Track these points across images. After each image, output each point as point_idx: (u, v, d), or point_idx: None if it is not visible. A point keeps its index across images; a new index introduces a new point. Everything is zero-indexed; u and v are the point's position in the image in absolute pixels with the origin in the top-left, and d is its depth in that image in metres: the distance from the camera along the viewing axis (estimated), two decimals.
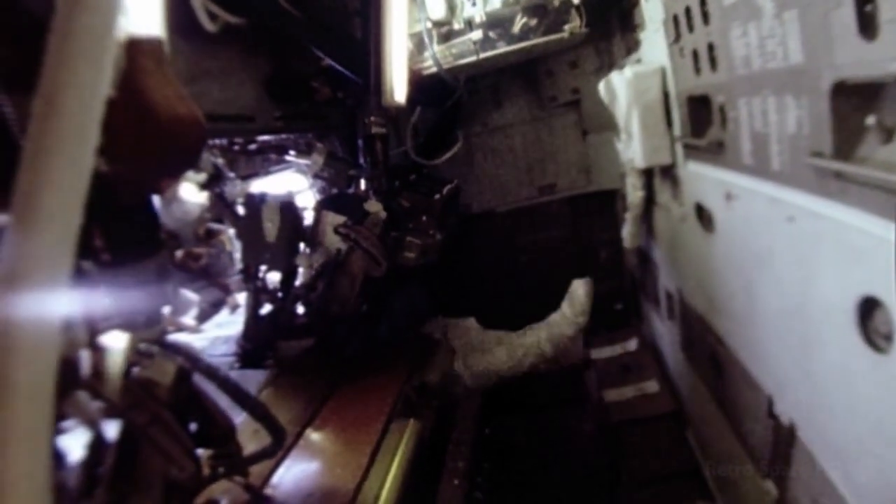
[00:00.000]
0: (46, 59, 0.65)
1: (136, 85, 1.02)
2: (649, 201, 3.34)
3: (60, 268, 0.65)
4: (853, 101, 1.32)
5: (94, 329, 1.26)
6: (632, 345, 4.05)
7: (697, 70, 2.19)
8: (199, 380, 1.51)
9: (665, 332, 3.58)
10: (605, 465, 3.39)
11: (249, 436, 2.04)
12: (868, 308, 1.30)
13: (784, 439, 1.82)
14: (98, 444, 1.35)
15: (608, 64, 4.05)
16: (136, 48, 1.02)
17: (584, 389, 3.89)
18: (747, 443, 2.19)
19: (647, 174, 3.18)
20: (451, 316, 4.07)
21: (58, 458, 1.29)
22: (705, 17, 2.02)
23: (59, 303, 0.65)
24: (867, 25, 1.17)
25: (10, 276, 0.62)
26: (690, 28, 2.19)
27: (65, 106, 0.65)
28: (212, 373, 1.39)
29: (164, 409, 1.36)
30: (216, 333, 4.17)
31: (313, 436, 2.63)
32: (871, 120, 1.30)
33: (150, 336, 1.31)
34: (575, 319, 3.50)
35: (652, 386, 3.49)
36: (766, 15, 1.58)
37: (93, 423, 1.34)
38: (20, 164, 0.65)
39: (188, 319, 3.66)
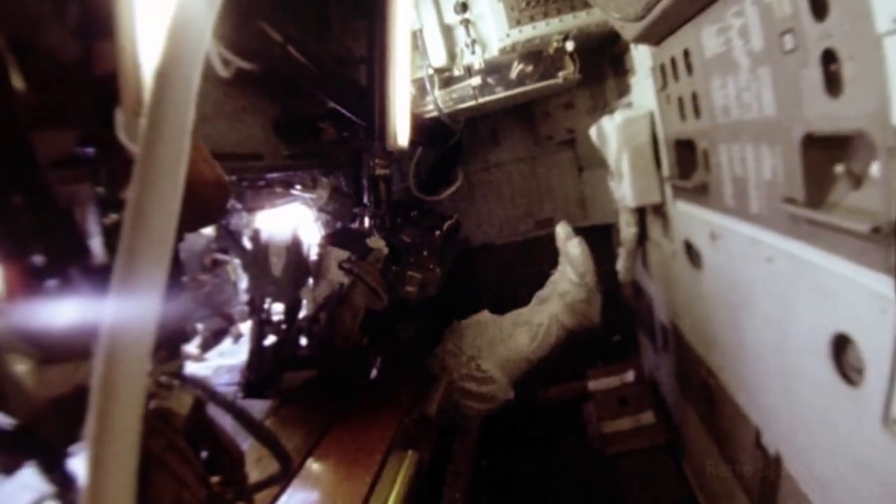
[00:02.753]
0: (134, 176, 0.78)
1: None
2: (643, 236, 3.45)
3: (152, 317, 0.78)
4: (822, 151, 1.42)
5: None
6: (629, 376, 4.10)
7: (683, 116, 2.32)
8: (211, 409, 1.59)
9: (661, 364, 3.65)
10: (602, 496, 3.42)
11: (252, 464, 2.10)
12: (840, 344, 1.39)
13: (771, 470, 1.88)
14: None
15: (602, 105, 4.22)
16: None
17: (582, 421, 3.93)
18: (738, 473, 2.25)
19: (640, 211, 3.30)
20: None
21: (70, 480, 1.36)
22: (689, 67, 2.15)
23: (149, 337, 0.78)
24: (832, 83, 1.28)
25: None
26: (676, 77, 2.32)
27: (151, 217, 0.77)
28: (228, 405, 1.48)
29: (179, 437, 1.44)
30: (219, 363, 4.22)
31: (314, 466, 2.67)
32: (839, 168, 1.40)
33: (170, 369, 1.39)
34: (583, 281, 3.43)
35: (648, 417, 3.54)
36: (742, 69, 1.70)
37: None
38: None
39: (192, 348, 3.72)
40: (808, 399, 1.57)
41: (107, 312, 0.77)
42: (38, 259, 1.26)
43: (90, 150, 1.29)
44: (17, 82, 1.10)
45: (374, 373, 3.27)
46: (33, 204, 1.25)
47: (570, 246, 3.48)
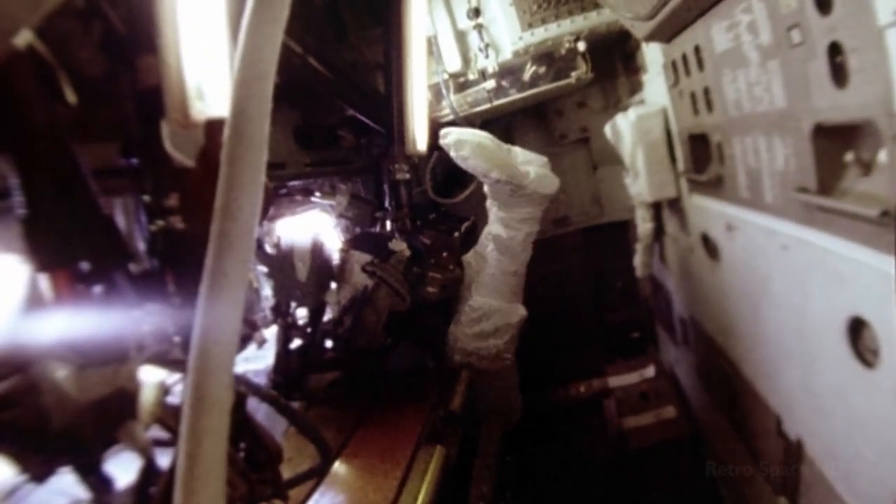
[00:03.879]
0: (220, 187, 0.87)
1: (211, 158, 1.22)
2: (659, 231, 3.48)
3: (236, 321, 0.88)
4: (832, 140, 1.46)
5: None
6: (649, 372, 4.13)
7: (696, 111, 2.36)
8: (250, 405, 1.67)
9: (681, 358, 3.67)
10: (625, 490, 3.45)
11: (282, 464, 2.16)
12: (856, 327, 1.43)
13: (793, 456, 1.91)
14: (150, 469, 1.49)
15: (614, 103, 4.26)
16: (212, 127, 1.22)
17: (604, 417, 3.96)
18: (760, 461, 2.28)
19: (656, 206, 3.33)
20: None
21: (106, 483, 1.40)
22: (700, 63, 2.20)
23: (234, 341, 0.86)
24: (839, 75, 1.33)
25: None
26: (687, 73, 2.37)
27: (236, 220, 0.86)
28: (272, 398, 1.56)
29: None
30: (245, 367, 4.31)
31: (344, 464, 2.74)
32: (849, 156, 1.44)
33: None
34: (496, 177, 2.96)
35: (669, 412, 3.57)
36: (752, 64, 1.75)
37: (144, 451, 1.48)
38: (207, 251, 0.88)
39: None
40: (826, 383, 1.61)
41: (197, 312, 0.85)
42: (83, 266, 1.33)
43: (135, 161, 1.37)
44: (70, 97, 1.18)
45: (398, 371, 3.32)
46: (79, 212, 1.32)
47: (459, 160, 2.98)
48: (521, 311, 3.34)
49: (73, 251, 1.30)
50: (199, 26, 1.22)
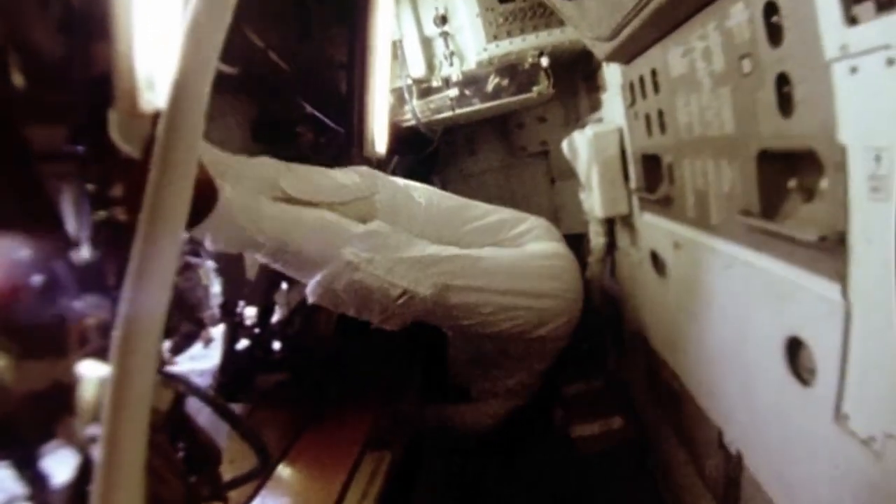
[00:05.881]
0: (152, 173, 0.84)
1: None
2: (611, 246, 3.56)
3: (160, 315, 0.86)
4: (776, 166, 1.53)
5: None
6: (598, 382, 4.20)
7: (650, 132, 2.43)
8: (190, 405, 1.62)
9: (629, 369, 3.75)
10: (571, 497, 3.49)
11: (225, 465, 2.10)
12: (794, 346, 1.49)
13: (733, 468, 1.97)
14: (87, 467, 1.43)
15: (574, 119, 4.34)
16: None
17: (552, 425, 4.00)
18: (703, 473, 2.35)
19: (609, 221, 3.41)
20: None
21: (42, 479, 1.35)
22: (656, 86, 2.26)
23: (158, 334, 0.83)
24: (785, 105, 1.39)
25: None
26: (644, 95, 2.43)
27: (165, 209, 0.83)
28: (209, 399, 1.51)
29: (158, 433, 1.46)
30: (190, 366, 4.17)
31: (288, 468, 2.68)
32: (792, 183, 1.51)
33: None
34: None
35: (617, 421, 3.63)
36: (704, 89, 1.81)
37: (82, 448, 1.42)
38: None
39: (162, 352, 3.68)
40: (765, 399, 1.67)
41: (123, 300, 0.82)
42: (23, 253, 1.27)
43: (81, 148, 1.31)
44: (18, 79, 1.12)
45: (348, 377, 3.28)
46: (22, 197, 1.26)
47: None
48: (343, 258, 2.46)
49: (13, 237, 1.25)
50: (154, 16, 1.18)
